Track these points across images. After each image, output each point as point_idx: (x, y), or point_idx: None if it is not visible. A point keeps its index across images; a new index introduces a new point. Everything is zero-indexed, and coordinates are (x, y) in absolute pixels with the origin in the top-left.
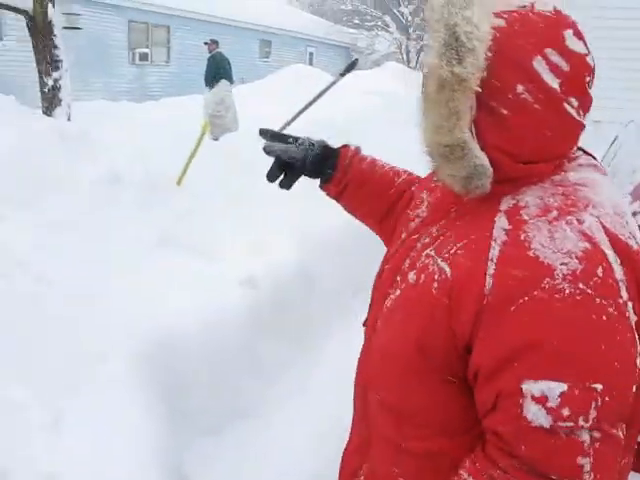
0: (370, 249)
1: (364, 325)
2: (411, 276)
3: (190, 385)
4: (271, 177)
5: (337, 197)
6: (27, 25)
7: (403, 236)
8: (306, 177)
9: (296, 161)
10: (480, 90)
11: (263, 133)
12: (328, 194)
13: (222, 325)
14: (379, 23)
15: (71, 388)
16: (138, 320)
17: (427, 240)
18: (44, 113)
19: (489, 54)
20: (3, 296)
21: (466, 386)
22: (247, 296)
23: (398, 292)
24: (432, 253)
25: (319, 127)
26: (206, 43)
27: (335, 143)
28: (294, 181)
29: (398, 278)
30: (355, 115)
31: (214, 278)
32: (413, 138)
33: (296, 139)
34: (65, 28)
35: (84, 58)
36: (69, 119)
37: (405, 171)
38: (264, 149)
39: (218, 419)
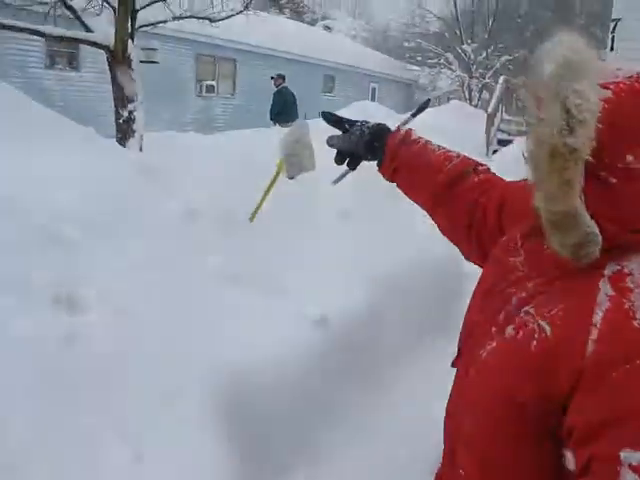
0: (437, 290)
1: (453, 366)
2: (509, 330)
3: (260, 423)
4: (338, 162)
5: (390, 180)
6: (107, 59)
7: (502, 286)
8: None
9: (352, 149)
10: (591, 160)
11: (325, 117)
12: (383, 176)
13: (292, 363)
14: (442, 60)
15: (150, 424)
16: (212, 356)
17: (524, 295)
18: (118, 143)
19: (599, 125)
20: (82, 328)
21: (557, 446)
22: (318, 335)
23: (495, 344)
24: (532, 311)
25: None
26: (272, 77)
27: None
28: (357, 164)
29: (493, 329)
30: None
31: (285, 316)
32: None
33: (352, 124)
34: (142, 62)
35: (153, 90)
36: (141, 150)
37: (458, 155)
38: (327, 142)
39: (286, 458)
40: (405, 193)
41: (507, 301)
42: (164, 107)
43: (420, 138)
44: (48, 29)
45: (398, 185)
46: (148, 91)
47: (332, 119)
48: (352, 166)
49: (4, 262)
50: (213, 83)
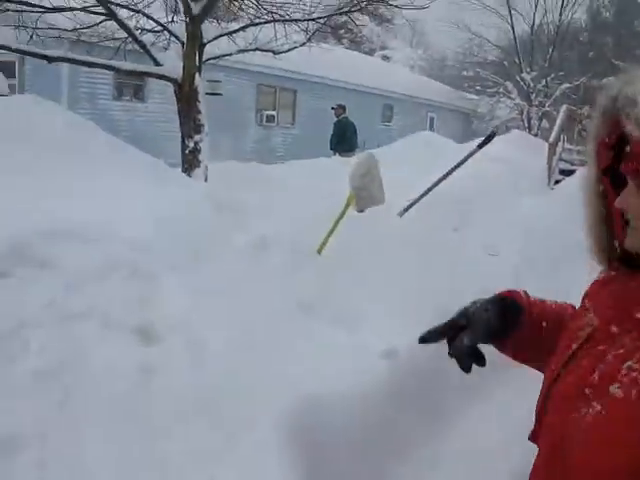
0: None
1: (530, 439)
2: (614, 390)
3: (330, 451)
4: (467, 368)
5: (512, 357)
6: (175, 92)
7: (574, 346)
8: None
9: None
10: None
11: (429, 339)
12: (499, 348)
13: (361, 394)
14: (500, 89)
15: (223, 450)
16: (283, 385)
17: (622, 352)
18: (184, 173)
19: None
20: (157, 357)
21: None
22: (388, 368)
23: (598, 407)
24: (637, 366)
25: (444, 196)
26: (333, 108)
27: (461, 212)
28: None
29: (587, 391)
30: (480, 183)
31: (355, 348)
32: (541, 206)
33: (454, 322)
34: (208, 94)
35: (215, 120)
36: (206, 180)
37: (572, 306)
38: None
39: None
40: (521, 362)
41: (600, 359)
42: (226, 137)
43: (533, 299)
44: (121, 64)
45: (516, 358)
46: (211, 121)
47: (436, 335)
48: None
49: (85, 292)
50: (273, 113)
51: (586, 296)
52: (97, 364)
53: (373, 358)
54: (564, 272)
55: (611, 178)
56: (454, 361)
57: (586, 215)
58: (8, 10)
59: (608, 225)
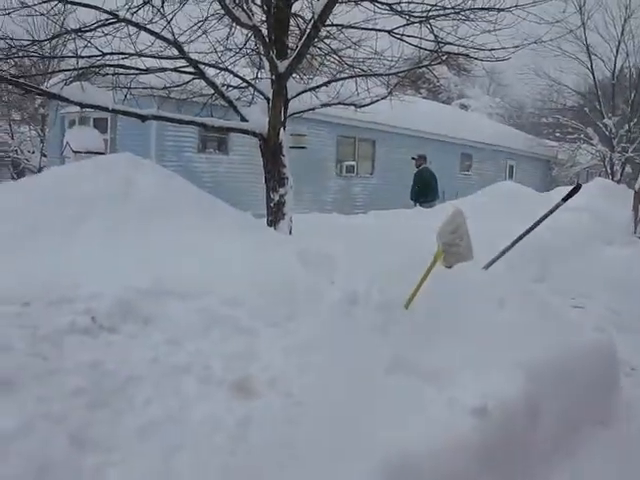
0: (591, 378)
1: None
2: None
3: None
4: None
5: None
6: (260, 146)
7: None
8: None
9: None
10: None
11: None
12: None
13: (450, 456)
14: (581, 135)
15: None
16: (371, 445)
17: None
18: (269, 225)
19: None
20: (255, 412)
21: None
22: (477, 426)
23: None
24: None
25: (528, 248)
26: (414, 158)
27: (545, 263)
28: None
29: None
30: (563, 234)
31: (444, 405)
32: (627, 257)
33: None
34: (292, 147)
35: (297, 171)
36: (290, 232)
37: None
38: None
39: None
40: None
41: None
42: (307, 187)
43: None
44: (210, 121)
45: None
46: (293, 173)
47: None
48: None
49: (186, 347)
50: (353, 163)
51: None
52: (198, 418)
53: (463, 415)
54: None
55: None
56: (543, 420)
57: None
58: (107, 74)
59: None
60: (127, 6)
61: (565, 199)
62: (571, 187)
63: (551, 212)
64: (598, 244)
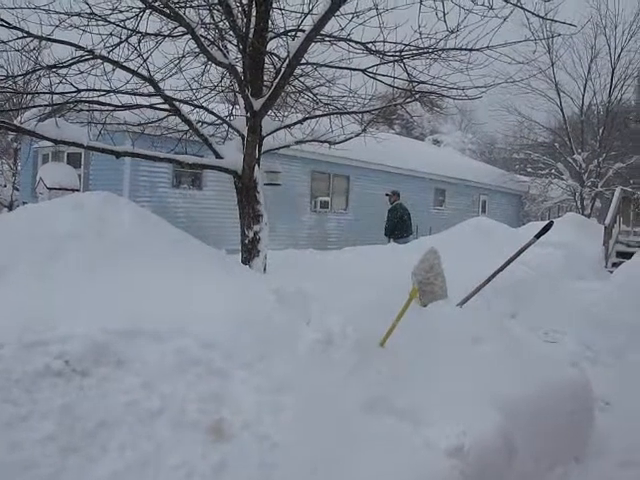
0: (567, 415)
1: None
2: None
3: None
4: None
5: None
6: (235, 183)
7: None
8: None
9: None
10: None
11: None
12: None
13: None
14: (552, 170)
15: None
16: None
17: None
18: (243, 262)
19: None
20: (229, 455)
21: None
22: (455, 466)
23: None
24: None
25: (501, 283)
26: (387, 195)
27: (518, 299)
28: None
29: None
30: (535, 269)
31: (421, 445)
32: (599, 290)
33: None
34: (267, 185)
35: (273, 206)
36: (265, 270)
37: None
38: None
39: None
40: None
41: None
42: (281, 223)
43: None
44: (185, 158)
45: None
46: (267, 208)
47: None
48: None
49: (161, 390)
50: (327, 199)
51: None
52: (173, 463)
53: (438, 455)
54: (630, 358)
55: None
56: (519, 458)
57: None
58: (82, 110)
59: None
60: (103, 43)
61: (538, 236)
62: (543, 223)
63: (524, 249)
64: (570, 279)
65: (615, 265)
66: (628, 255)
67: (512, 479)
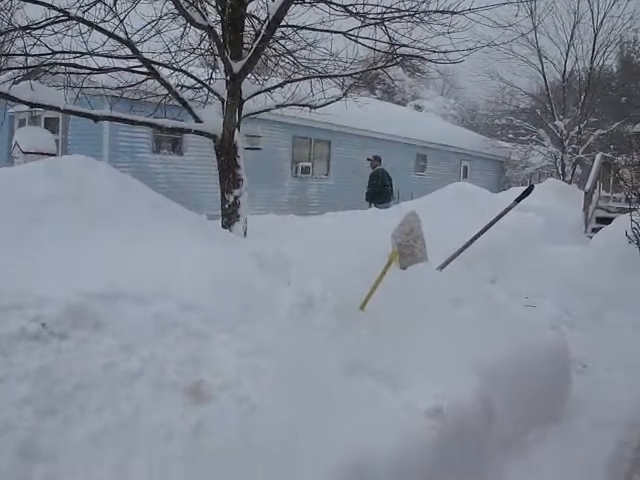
0: (545, 378)
1: None
2: None
3: None
4: None
5: None
6: (214, 148)
7: None
8: None
9: None
10: None
11: None
12: None
13: (408, 455)
14: (533, 137)
15: None
16: (326, 450)
17: None
18: (224, 227)
19: None
20: (208, 416)
21: None
22: (432, 427)
23: None
24: None
25: (481, 248)
26: (369, 159)
27: (498, 263)
28: None
29: None
30: (516, 233)
31: (400, 407)
32: (578, 255)
33: None
34: (247, 149)
35: (252, 172)
36: (245, 234)
37: None
38: None
39: None
40: None
41: None
42: (262, 189)
43: None
44: (164, 122)
45: None
46: (248, 174)
47: None
48: None
49: (139, 353)
50: (309, 164)
51: None
52: (152, 424)
53: (418, 417)
54: (607, 321)
55: None
56: (497, 420)
57: None
58: (58, 72)
59: None
60: (78, 4)
61: (518, 200)
62: (524, 188)
63: (504, 213)
64: (550, 243)
65: (595, 230)
66: (608, 221)
67: (491, 440)
